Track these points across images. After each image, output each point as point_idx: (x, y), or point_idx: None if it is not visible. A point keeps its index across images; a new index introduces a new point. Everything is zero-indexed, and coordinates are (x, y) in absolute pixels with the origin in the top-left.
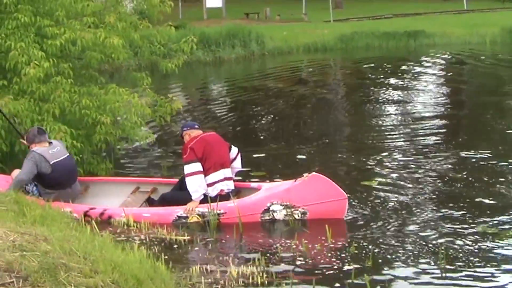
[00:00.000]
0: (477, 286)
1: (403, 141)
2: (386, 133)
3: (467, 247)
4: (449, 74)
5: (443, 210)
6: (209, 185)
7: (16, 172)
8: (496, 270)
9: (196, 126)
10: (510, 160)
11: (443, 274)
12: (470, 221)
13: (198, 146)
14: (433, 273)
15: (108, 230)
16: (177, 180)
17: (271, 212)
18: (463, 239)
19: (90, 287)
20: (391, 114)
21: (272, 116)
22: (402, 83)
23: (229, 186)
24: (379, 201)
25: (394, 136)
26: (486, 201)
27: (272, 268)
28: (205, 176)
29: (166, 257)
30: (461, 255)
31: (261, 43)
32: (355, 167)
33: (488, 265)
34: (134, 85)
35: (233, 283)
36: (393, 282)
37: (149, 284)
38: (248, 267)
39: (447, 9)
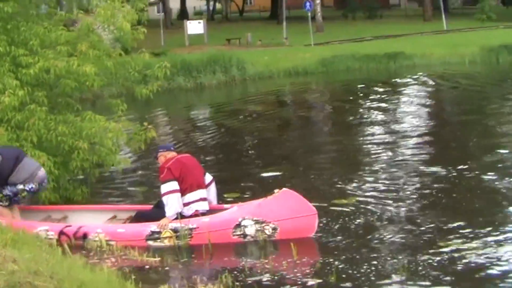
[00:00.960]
0: None
1: (378, 160)
2: (362, 154)
3: (430, 262)
4: (427, 95)
5: (409, 227)
6: (185, 204)
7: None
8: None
9: (172, 148)
10: (484, 177)
11: None
12: (434, 237)
13: (175, 166)
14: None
15: (80, 253)
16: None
17: (242, 228)
18: (427, 255)
19: None
20: (369, 134)
21: (252, 138)
22: (381, 104)
23: (203, 207)
24: (348, 218)
25: (372, 155)
26: (454, 217)
27: (238, 287)
28: (181, 195)
29: (135, 277)
30: (423, 270)
31: (242, 69)
32: (329, 185)
33: (452, 279)
34: (112, 112)
35: None
36: None
37: None
38: (215, 286)
39: (427, 30)
